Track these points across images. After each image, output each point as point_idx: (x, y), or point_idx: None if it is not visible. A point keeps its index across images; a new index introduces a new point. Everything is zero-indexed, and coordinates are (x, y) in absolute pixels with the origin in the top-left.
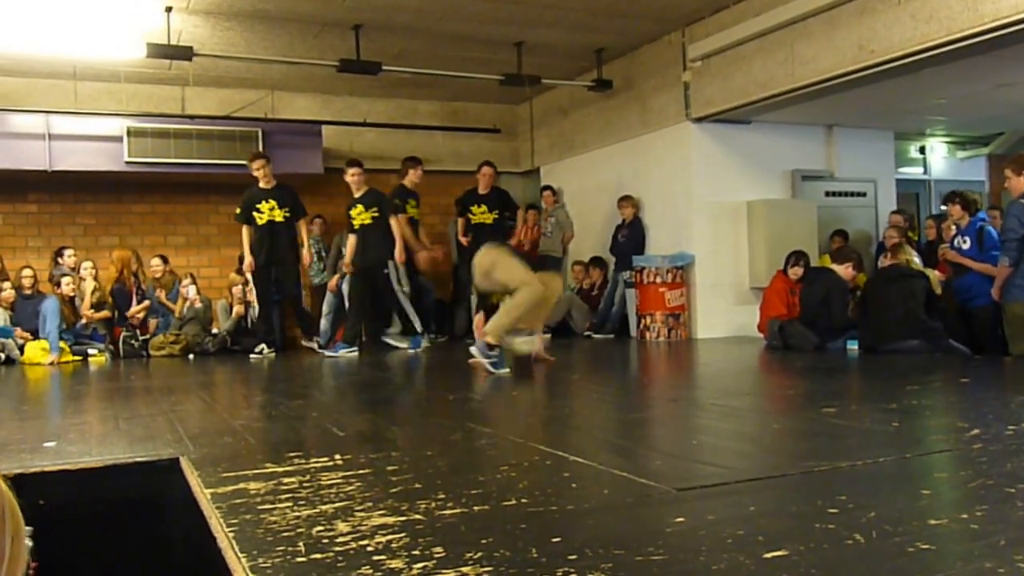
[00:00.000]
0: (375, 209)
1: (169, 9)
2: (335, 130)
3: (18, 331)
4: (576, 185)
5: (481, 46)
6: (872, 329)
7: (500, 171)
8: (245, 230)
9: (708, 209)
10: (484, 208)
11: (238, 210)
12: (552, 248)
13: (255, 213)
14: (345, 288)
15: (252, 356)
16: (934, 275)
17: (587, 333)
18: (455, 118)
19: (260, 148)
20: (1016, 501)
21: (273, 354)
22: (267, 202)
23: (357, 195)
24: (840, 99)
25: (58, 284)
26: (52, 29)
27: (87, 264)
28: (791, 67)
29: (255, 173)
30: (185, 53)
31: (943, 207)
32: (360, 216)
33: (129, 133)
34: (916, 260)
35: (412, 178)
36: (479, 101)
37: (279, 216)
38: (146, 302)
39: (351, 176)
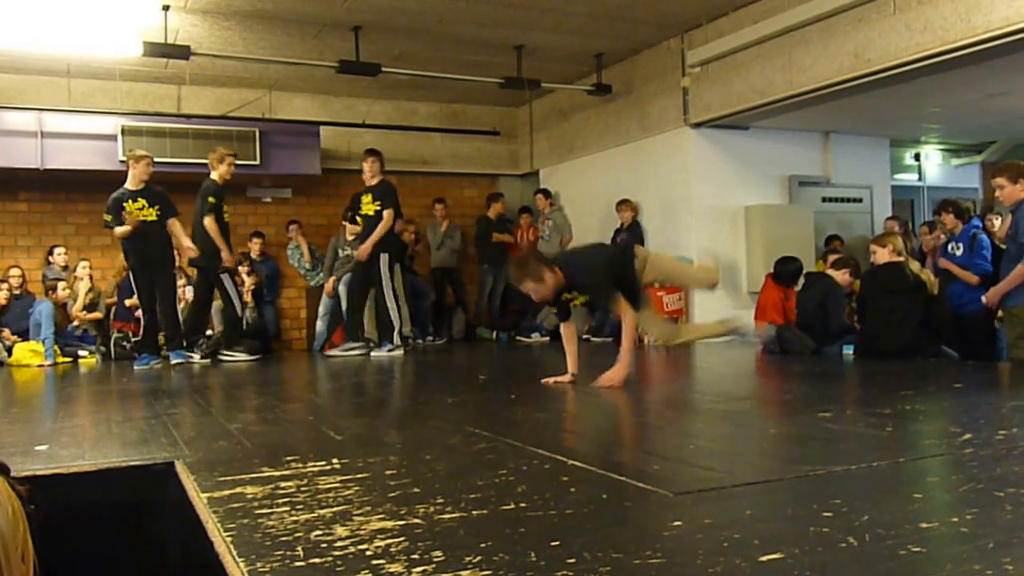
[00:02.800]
0: (157, 207)
1: (167, 7)
2: (333, 131)
3: (6, 332)
4: (575, 188)
5: (481, 49)
6: (869, 338)
7: (499, 173)
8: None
9: (706, 214)
10: (369, 198)
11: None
12: (550, 251)
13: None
14: (341, 290)
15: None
16: (931, 277)
17: (585, 336)
18: (454, 120)
19: (258, 148)
20: (1005, 505)
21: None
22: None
23: (136, 188)
24: (837, 106)
25: (53, 289)
26: (47, 25)
27: (84, 263)
28: (789, 74)
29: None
30: (182, 52)
31: (935, 216)
32: (143, 212)
33: (123, 132)
34: (909, 256)
35: (222, 171)
36: (478, 103)
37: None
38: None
39: (141, 168)
